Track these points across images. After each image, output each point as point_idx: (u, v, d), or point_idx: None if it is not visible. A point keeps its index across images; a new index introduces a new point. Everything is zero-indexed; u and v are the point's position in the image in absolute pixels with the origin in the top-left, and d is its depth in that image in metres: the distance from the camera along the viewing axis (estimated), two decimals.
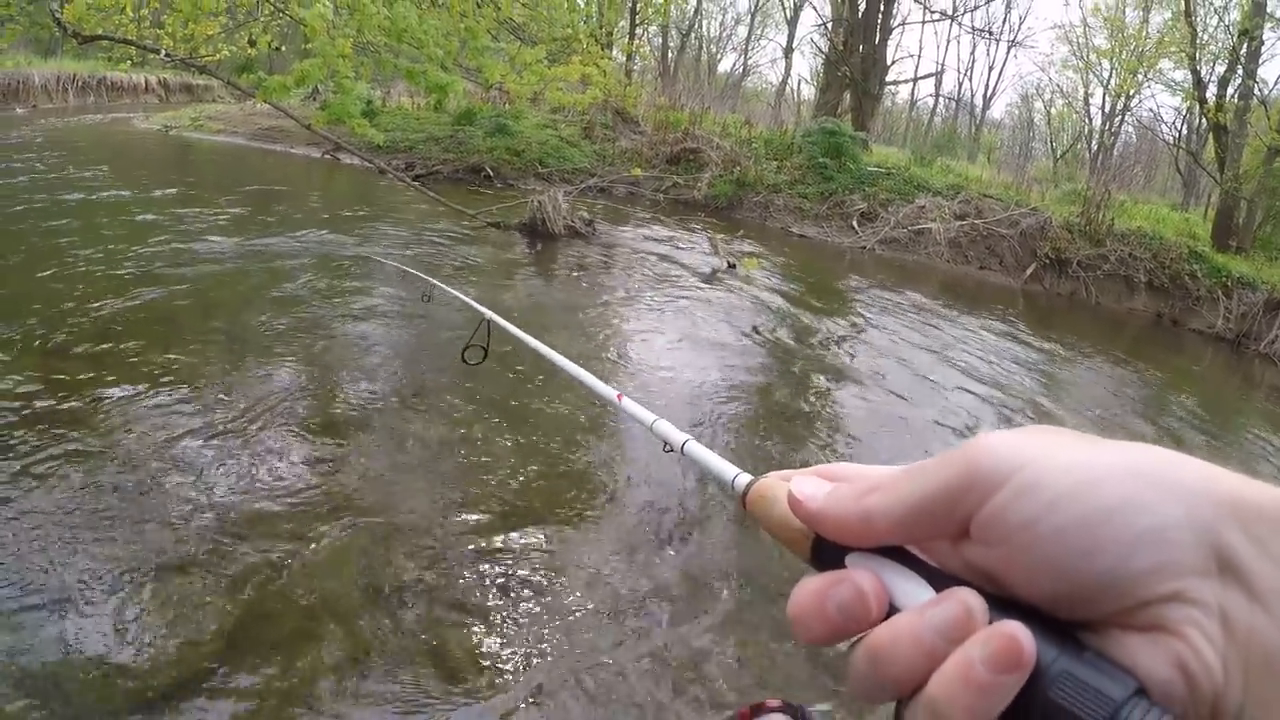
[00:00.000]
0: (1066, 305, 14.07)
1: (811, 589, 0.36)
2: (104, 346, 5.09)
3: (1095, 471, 0.32)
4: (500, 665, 3.01)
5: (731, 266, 10.31)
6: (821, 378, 7.48)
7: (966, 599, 0.32)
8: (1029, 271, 14.35)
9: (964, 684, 0.30)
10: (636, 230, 11.65)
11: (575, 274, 9.25)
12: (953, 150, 26.32)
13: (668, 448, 0.64)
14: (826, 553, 0.38)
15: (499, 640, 3.15)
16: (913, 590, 0.35)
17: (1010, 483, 0.32)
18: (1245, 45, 17.79)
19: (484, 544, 3.70)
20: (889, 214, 13.79)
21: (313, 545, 3.44)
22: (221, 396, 4.64)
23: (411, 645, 3.02)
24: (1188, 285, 14.76)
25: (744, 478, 0.45)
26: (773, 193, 13.90)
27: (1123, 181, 29.71)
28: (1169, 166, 33.42)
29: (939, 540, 0.36)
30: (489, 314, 1.43)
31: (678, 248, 10.93)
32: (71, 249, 7.22)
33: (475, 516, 3.89)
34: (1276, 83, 19.67)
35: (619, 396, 0.77)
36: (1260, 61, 18.26)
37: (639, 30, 24.65)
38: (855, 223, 13.67)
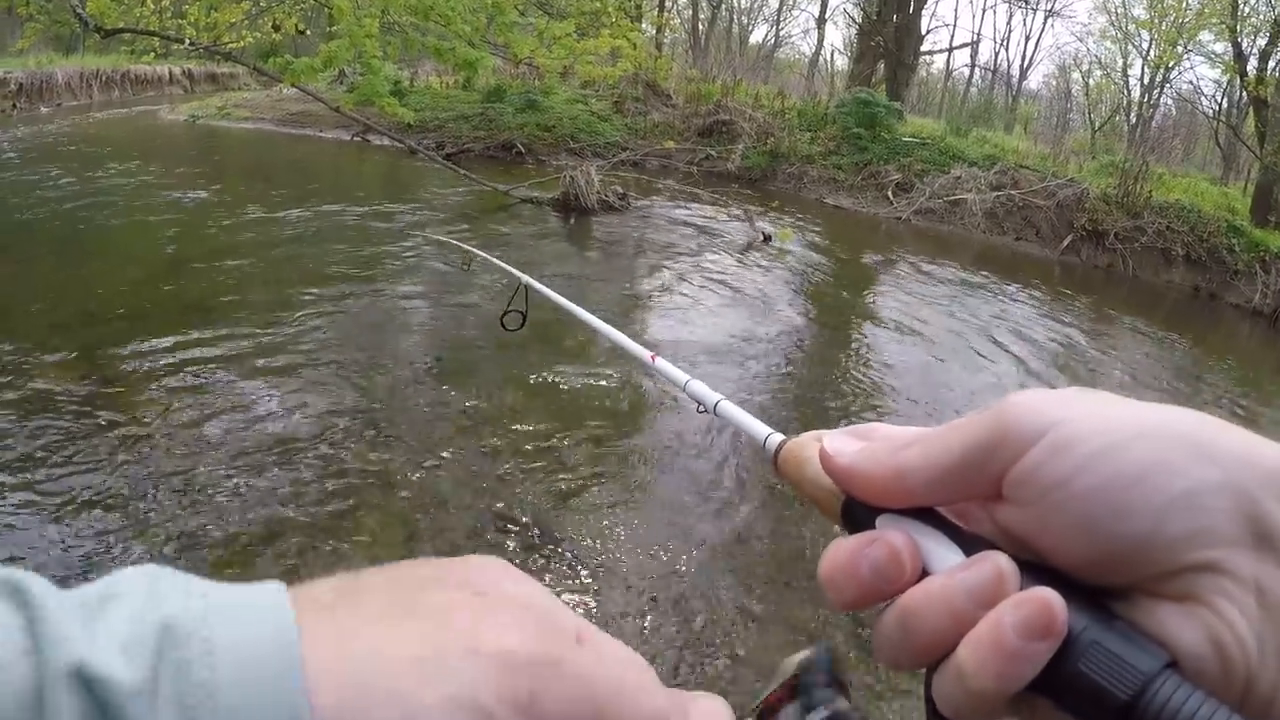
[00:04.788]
0: (1103, 277, 13.87)
1: (844, 549, 0.35)
2: (147, 325, 5.21)
3: (1130, 431, 0.31)
4: None
5: (767, 239, 10.25)
6: (859, 341, 7.48)
7: (999, 562, 0.31)
8: (1066, 243, 14.13)
9: (994, 649, 0.29)
10: (670, 203, 11.61)
11: (611, 247, 9.25)
12: (989, 121, 25.90)
13: (700, 408, 0.61)
14: (857, 513, 0.37)
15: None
16: (944, 553, 0.34)
17: (1043, 440, 0.32)
18: None
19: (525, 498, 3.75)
20: (924, 185, 13.63)
21: (354, 518, 3.50)
22: (260, 371, 4.73)
23: None
24: (1225, 259, 14.50)
25: (775, 437, 0.44)
26: (806, 164, 13.78)
27: (1161, 154, 29.18)
28: (1208, 140, 32.75)
29: (971, 501, 0.36)
30: (525, 279, 1.41)
31: (712, 220, 10.88)
32: (108, 237, 7.41)
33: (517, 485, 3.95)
34: None
35: (652, 357, 0.76)
36: None
37: (668, 2, 24.47)
38: (890, 193, 13.52)
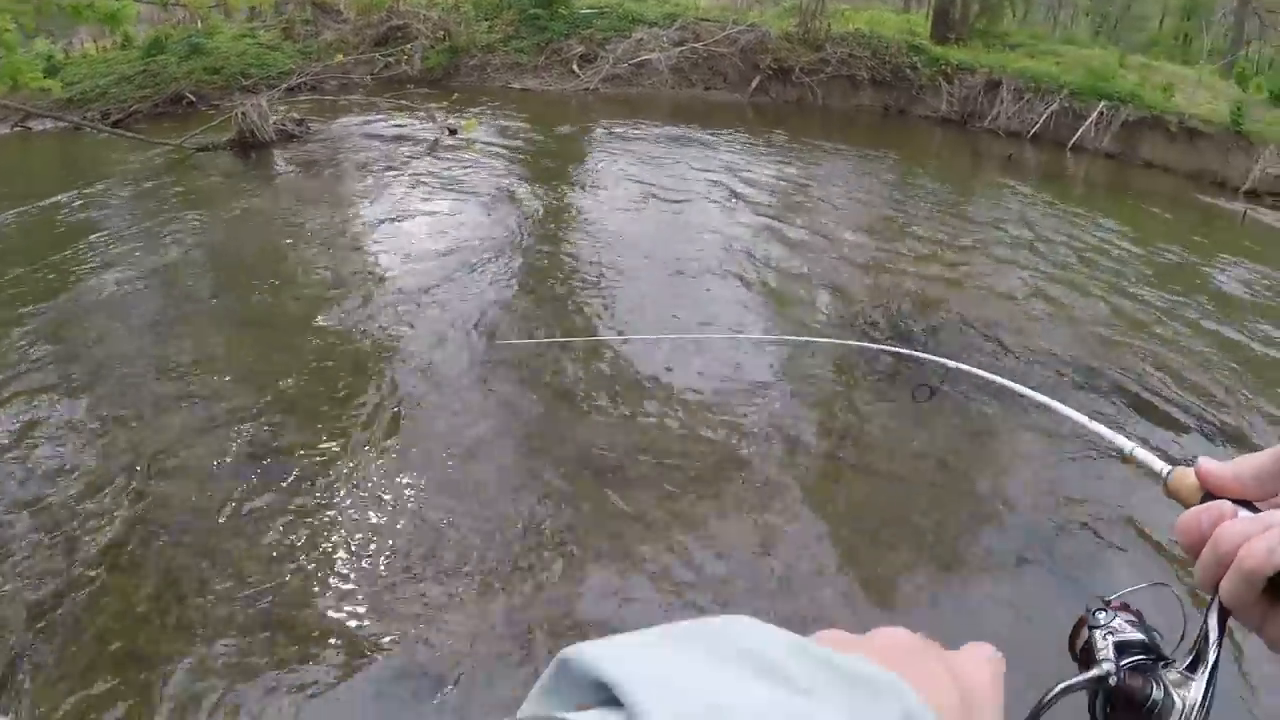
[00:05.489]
0: (795, 111, 14.76)
1: (1191, 512, 0.59)
2: None
3: None
4: None
5: (453, 132, 10.20)
6: (577, 213, 7.80)
7: (1275, 513, 0.54)
8: (754, 85, 14.89)
9: (1264, 538, 0.52)
10: (353, 119, 11.28)
11: (297, 176, 9.00)
12: None
13: (1116, 453, 0.84)
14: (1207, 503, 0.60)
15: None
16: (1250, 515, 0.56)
17: None
18: None
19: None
20: (608, 52, 13.89)
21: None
22: None
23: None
24: (910, 76, 15.81)
25: (1167, 468, 0.69)
26: (488, 53, 13.70)
27: None
28: None
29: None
30: (952, 364, 1.53)
31: (398, 126, 10.73)
32: None
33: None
34: None
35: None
36: None
37: None
38: (576, 67, 13.71)
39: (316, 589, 2.96)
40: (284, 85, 12.17)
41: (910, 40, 16.50)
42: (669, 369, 4.61)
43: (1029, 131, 14.41)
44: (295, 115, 10.58)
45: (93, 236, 6.93)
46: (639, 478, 3.64)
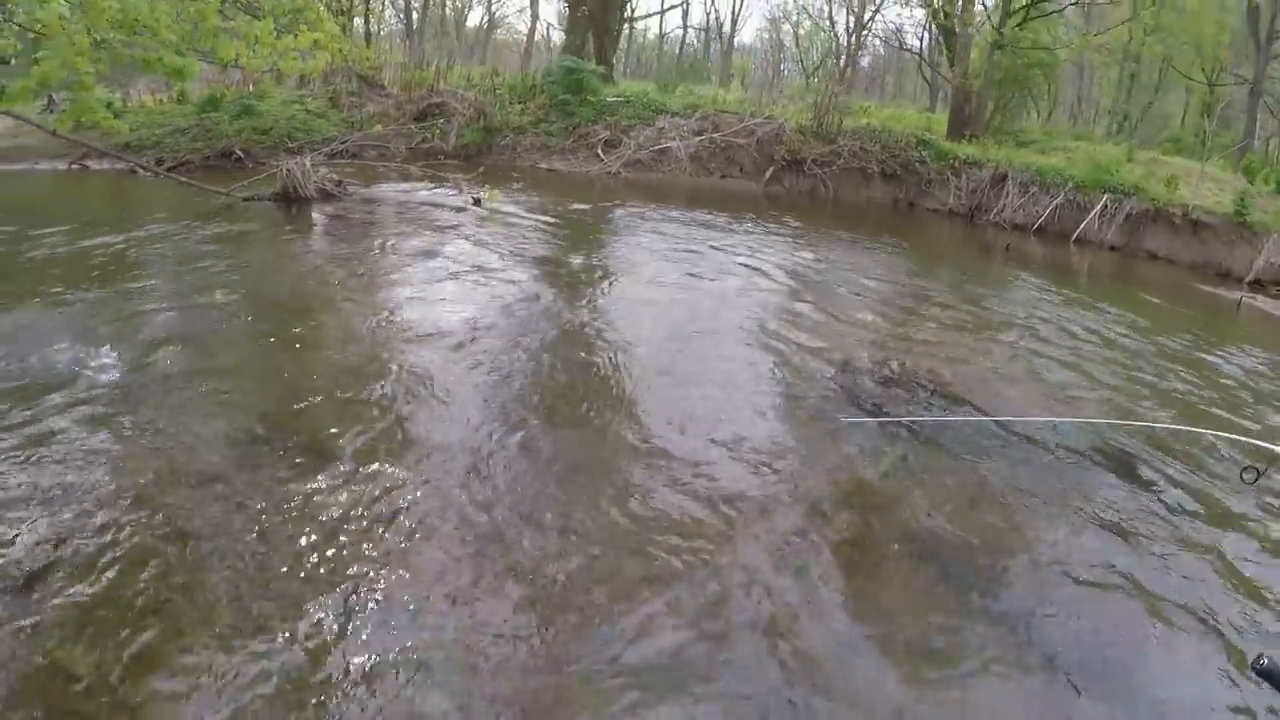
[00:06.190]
0: (808, 201, 15.47)
1: None
2: None
3: None
4: None
5: (477, 202, 10.93)
6: (589, 285, 8.16)
7: None
8: (768, 174, 15.66)
9: None
10: (388, 185, 12.08)
11: (332, 229, 9.63)
12: (700, 76, 27.62)
13: None
14: None
15: None
16: None
17: None
18: None
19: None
20: (631, 138, 14.73)
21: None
22: None
23: None
24: (919, 170, 16.54)
25: None
26: (519, 134, 14.60)
27: (872, 90, 32.17)
28: (918, 75, 36.11)
29: None
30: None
31: (428, 194, 11.48)
32: None
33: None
34: None
35: None
36: None
37: None
38: (600, 150, 14.56)
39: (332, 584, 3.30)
40: (326, 149, 13.00)
41: (919, 135, 17.22)
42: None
43: (1034, 224, 14.94)
44: (335, 177, 11.38)
45: (143, 266, 7.59)
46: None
